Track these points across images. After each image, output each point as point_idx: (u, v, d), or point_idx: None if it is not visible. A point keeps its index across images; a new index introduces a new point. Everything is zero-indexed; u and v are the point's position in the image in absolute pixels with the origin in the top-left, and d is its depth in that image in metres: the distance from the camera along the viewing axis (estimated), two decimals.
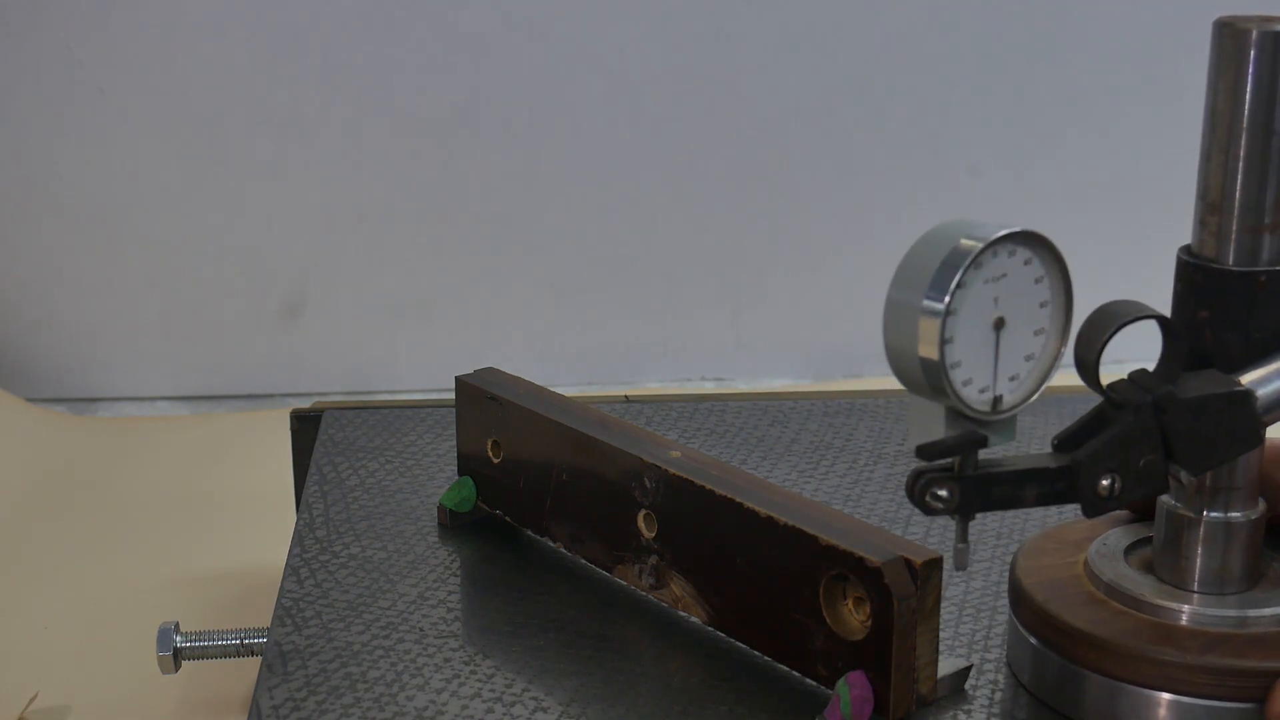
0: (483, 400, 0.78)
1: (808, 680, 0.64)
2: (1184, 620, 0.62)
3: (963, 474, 0.58)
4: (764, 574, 0.65)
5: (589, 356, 1.64)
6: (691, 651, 0.68)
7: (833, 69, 1.58)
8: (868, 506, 0.82)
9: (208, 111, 1.53)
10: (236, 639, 0.83)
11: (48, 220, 1.55)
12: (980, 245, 0.55)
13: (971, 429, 0.57)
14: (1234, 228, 0.61)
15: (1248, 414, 0.60)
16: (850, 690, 0.60)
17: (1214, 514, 0.63)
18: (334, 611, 0.72)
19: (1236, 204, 0.61)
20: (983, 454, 0.58)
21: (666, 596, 0.70)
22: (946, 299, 0.55)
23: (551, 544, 0.77)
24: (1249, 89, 0.59)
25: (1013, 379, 0.58)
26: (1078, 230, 1.64)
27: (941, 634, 0.65)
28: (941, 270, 0.55)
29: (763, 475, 0.86)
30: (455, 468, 0.82)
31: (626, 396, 1.00)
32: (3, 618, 1.07)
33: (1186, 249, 0.63)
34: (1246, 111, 0.60)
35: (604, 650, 0.68)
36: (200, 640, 0.83)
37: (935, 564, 0.61)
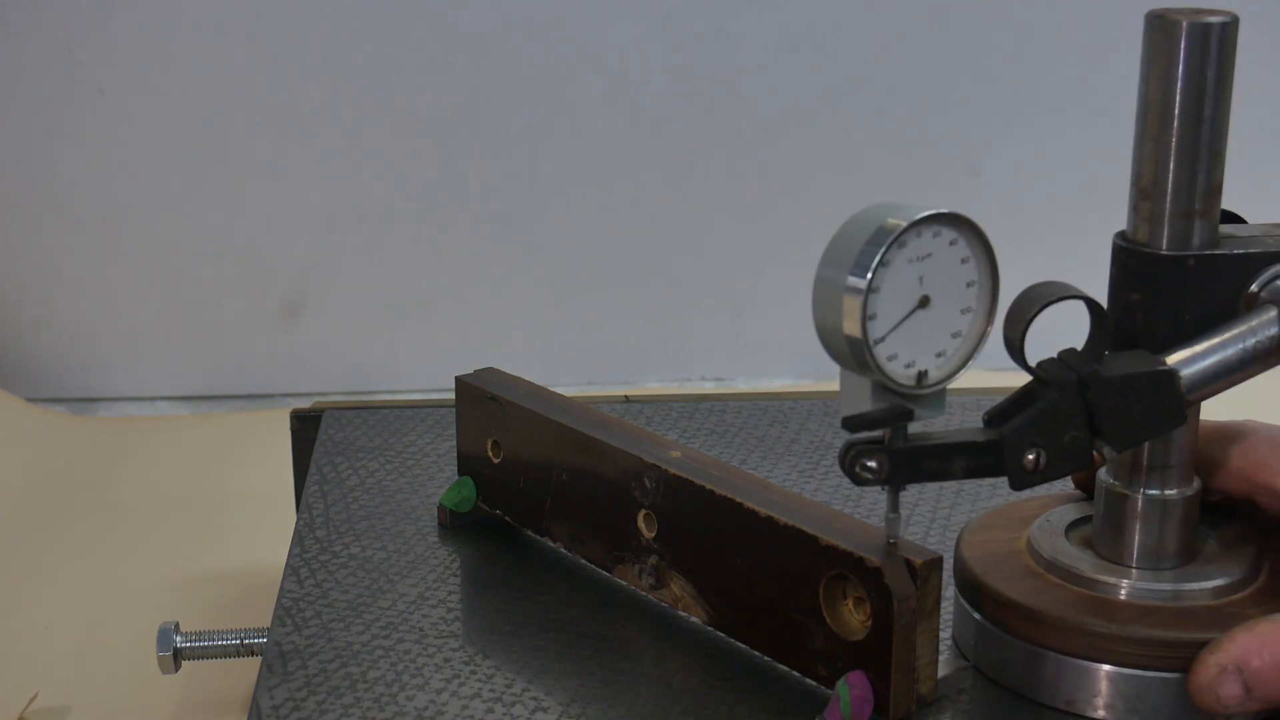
0: (483, 400, 0.78)
1: (808, 680, 0.64)
2: (1120, 594, 0.64)
3: (892, 446, 0.60)
4: (764, 574, 0.65)
5: (589, 356, 1.64)
6: (691, 651, 0.68)
7: (833, 69, 1.58)
8: (868, 506, 0.82)
9: (208, 111, 1.53)
10: (236, 639, 0.83)
11: (48, 220, 1.55)
12: (904, 224, 0.57)
13: (898, 403, 0.59)
14: (1166, 213, 0.63)
15: (1171, 393, 0.61)
16: (850, 690, 0.60)
17: (1150, 491, 0.65)
18: (334, 611, 0.72)
19: (1168, 190, 0.62)
20: (914, 428, 0.60)
21: (666, 596, 0.70)
22: (869, 276, 0.57)
23: (551, 544, 0.77)
24: (1179, 79, 0.61)
25: (939, 355, 0.59)
26: (1079, 230, 1.64)
27: (941, 634, 0.65)
28: (865, 249, 0.57)
29: (763, 475, 0.86)
30: (455, 468, 0.82)
31: (626, 396, 1.00)
32: (3, 618, 1.07)
33: (1121, 234, 0.65)
34: (1178, 101, 0.61)
35: (604, 650, 0.68)
36: (200, 640, 0.83)
37: (935, 564, 0.61)
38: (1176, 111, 0.62)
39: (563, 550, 0.76)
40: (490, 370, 0.81)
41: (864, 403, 0.60)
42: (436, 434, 0.92)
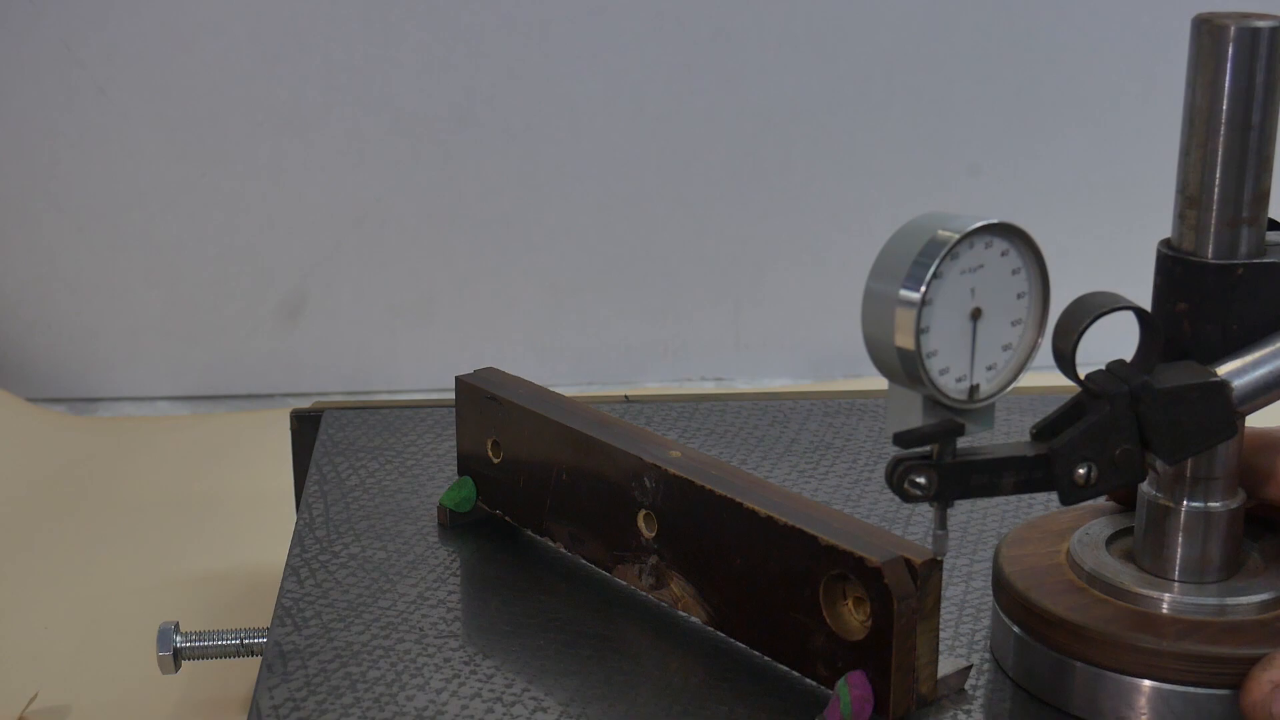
0: (483, 400, 0.78)
1: (808, 680, 0.64)
2: (1163, 608, 0.63)
3: (941, 461, 0.59)
4: (764, 574, 0.65)
5: (589, 356, 1.64)
6: (691, 651, 0.68)
7: (833, 69, 1.58)
8: (868, 506, 0.82)
9: (208, 111, 1.53)
10: (236, 639, 0.83)
11: (48, 220, 1.55)
12: (956, 236, 0.56)
13: (949, 417, 0.58)
14: (1212, 221, 0.62)
15: (1222, 404, 0.60)
16: (850, 690, 0.60)
17: (1194, 504, 0.64)
18: (334, 611, 0.72)
19: (1215, 198, 0.61)
20: (961, 442, 0.59)
21: (666, 596, 0.70)
22: (923, 289, 0.56)
23: (551, 544, 0.77)
24: (1227, 85, 0.60)
25: (990, 368, 0.58)
26: (1078, 230, 1.64)
27: (941, 634, 0.65)
28: (918, 261, 0.56)
29: (763, 475, 0.86)
30: (455, 468, 0.82)
31: (626, 396, 1.00)
32: (3, 618, 1.07)
33: (1166, 242, 0.64)
34: (1225, 107, 0.61)
35: (604, 650, 0.68)
36: (200, 640, 0.83)
37: (935, 564, 0.61)
38: (1224, 118, 0.61)
39: (563, 550, 0.76)
40: (490, 370, 0.81)
41: (914, 418, 0.59)
42: (436, 434, 0.92)
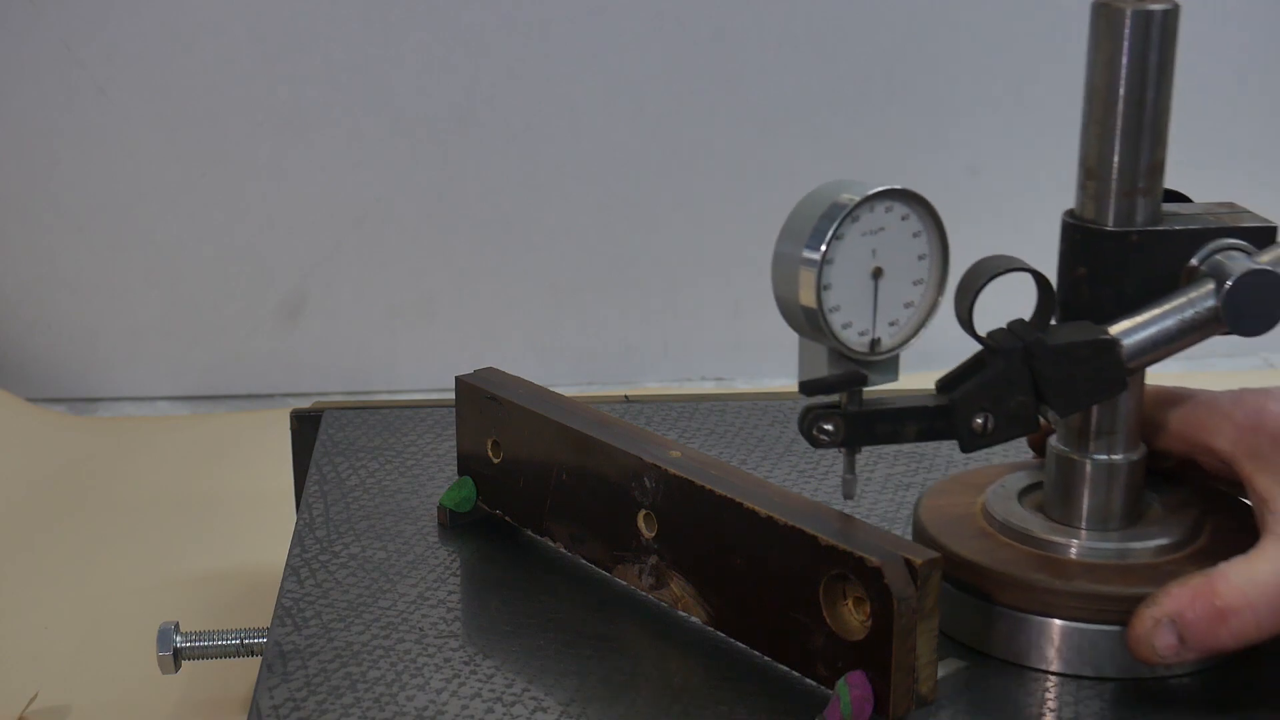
0: (483, 400, 0.78)
1: (808, 680, 0.64)
2: (1068, 553, 0.67)
3: (848, 410, 0.63)
4: (764, 574, 0.65)
5: (589, 356, 1.64)
6: (691, 651, 0.68)
7: (833, 69, 1.58)
8: (868, 506, 0.82)
9: (208, 111, 1.53)
10: (236, 639, 0.83)
11: (48, 220, 1.55)
12: (856, 200, 0.60)
13: (853, 368, 0.63)
14: (1110, 191, 0.66)
15: (1112, 360, 0.65)
16: (850, 690, 0.60)
17: (1098, 456, 0.68)
18: (334, 611, 0.72)
19: (1113, 170, 0.66)
20: (871, 393, 0.63)
21: (666, 596, 0.70)
22: (823, 249, 0.60)
23: (551, 544, 0.77)
24: (1124, 65, 0.65)
25: (892, 324, 0.63)
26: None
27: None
28: (819, 224, 0.61)
29: (763, 475, 0.86)
30: (455, 468, 0.82)
31: (626, 396, 1.00)
32: (3, 618, 1.07)
33: (1070, 212, 0.68)
34: (1122, 85, 0.65)
35: (604, 650, 0.68)
36: (200, 640, 0.83)
37: (935, 564, 0.61)
38: (1121, 95, 0.65)
39: (563, 550, 0.76)
40: (490, 370, 0.81)
41: (820, 368, 0.63)
42: (436, 434, 0.92)
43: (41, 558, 1.16)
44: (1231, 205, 0.70)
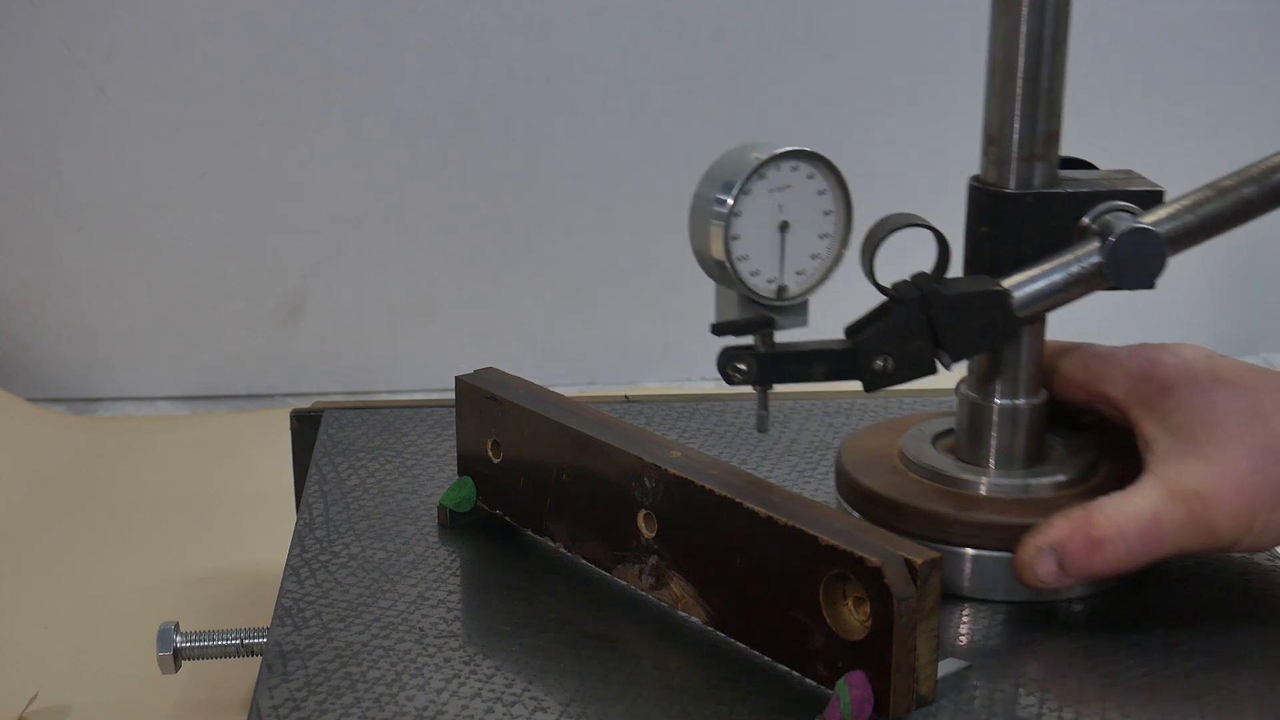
0: (483, 400, 0.78)
1: (808, 680, 0.64)
2: (975, 490, 0.73)
3: (760, 351, 0.69)
4: (764, 574, 0.65)
5: (589, 356, 1.64)
6: (691, 651, 0.68)
7: (833, 69, 1.58)
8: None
9: (208, 111, 1.53)
10: (236, 639, 0.83)
11: (48, 220, 1.55)
12: (763, 158, 0.66)
13: (762, 313, 0.68)
14: (1009, 157, 0.72)
15: (1003, 309, 0.71)
16: (850, 690, 0.60)
17: (1003, 401, 0.74)
18: (334, 611, 0.72)
19: (1012, 137, 0.71)
20: (785, 337, 0.69)
21: (666, 596, 0.70)
22: (730, 202, 0.65)
23: (551, 544, 0.77)
24: (1021, 39, 0.70)
25: (799, 273, 0.68)
26: None
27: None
28: (728, 180, 0.66)
29: (763, 475, 0.86)
30: (455, 468, 0.82)
31: (626, 396, 1.00)
32: (3, 618, 1.07)
33: (975, 176, 0.74)
34: (1020, 58, 0.70)
35: (604, 650, 0.68)
36: (200, 640, 0.83)
37: (935, 564, 0.61)
38: (1020, 68, 0.70)
39: (563, 550, 0.76)
40: (490, 370, 0.81)
41: (732, 312, 0.68)
42: (436, 434, 0.92)
43: (41, 558, 1.16)
44: (1129, 172, 0.75)
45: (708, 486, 0.66)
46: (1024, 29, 0.70)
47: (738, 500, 0.65)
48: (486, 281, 1.61)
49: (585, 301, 1.62)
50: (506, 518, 0.79)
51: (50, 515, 1.24)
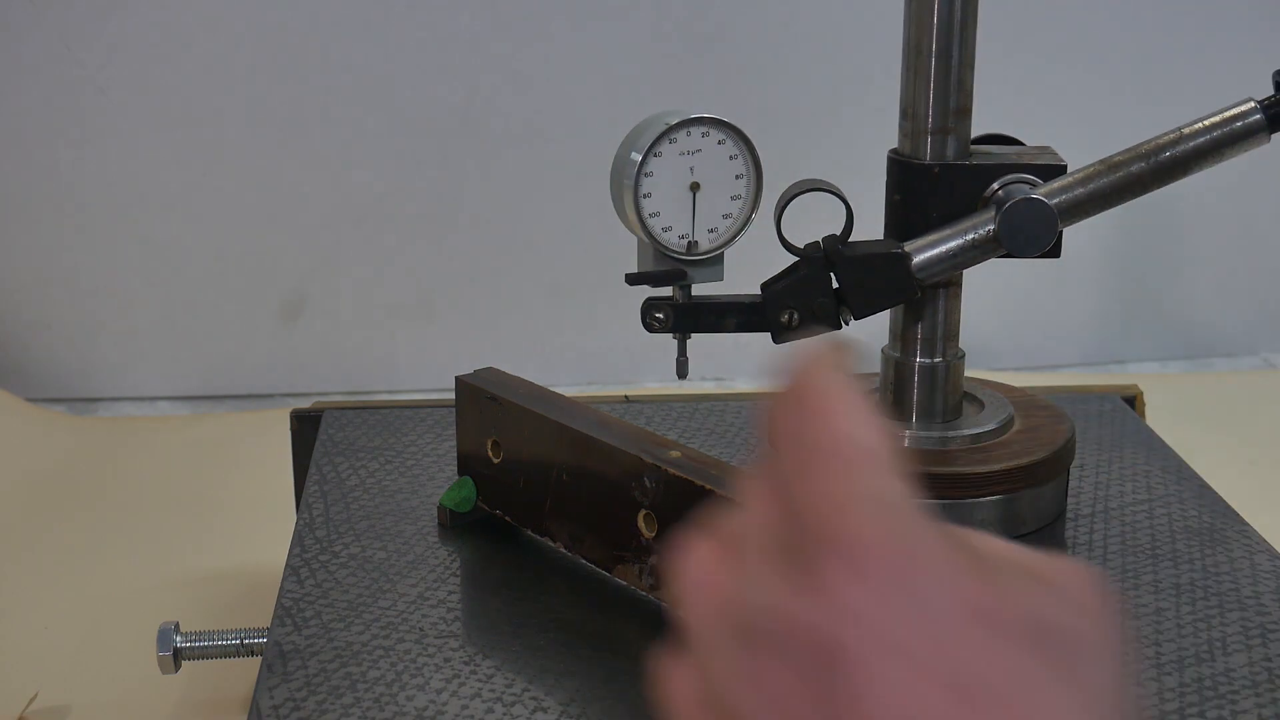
0: (483, 400, 0.78)
1: None
2: (899, 443, 0.77)
3: (677, 302, 0.76)
4: None
5: (589, 356, 1.64)
6: None
7: (833, 69, 1.58)
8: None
9: (208, 111, 1.53)
10: (236, 639, 0.83)
11: (47, 220, 1.54)
12: (673, 123, 0.72)
13: (674, 265, 0.75)
14: (923, 130, 0.77)
15: (902, 270, 0.76)
16: None
17: (923, 359, 0.79)
18: (334, 611, 0.72)
19: (926, 112, 0.77)
20: (702, 290, 0.76)
21: (666, 596, 0.70)
22: (640, 159, 0.73)
23: (551, 544, 0.77)
24: (934, 21, 0.75)
25: (711, 231, 0.75)
26: (1075, 227, 1.64)
27: None
28: (641, 141, 0.73)
29: None
30: (455, 468, 0.82)
31: (626, 396, 1.00)
32: (3, 618, 1.07)
33: (893, 150, 0.79)
34: (932, 39, 0.76)
35: (604, 650, 0.68)
36: (200, 640, 0.83)
37: None
38: (933, 48, 0.76)
39: (563, 550, 0.76)
40: (490, 370, 0.81)
41: (647, 264, 0.75)
42: (436, 434, 0.92)
43: (41, 558, 1.16)
44: (1045, 148, 0.80)
45: (708, 486, 0.66)
46: (935, 13, 0.75)
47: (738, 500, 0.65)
48: (486, 281, 1.61)
49: (585, 301, 1.62)
50: (506, 518, 0.79)
51: (50, 515, 1.24)
